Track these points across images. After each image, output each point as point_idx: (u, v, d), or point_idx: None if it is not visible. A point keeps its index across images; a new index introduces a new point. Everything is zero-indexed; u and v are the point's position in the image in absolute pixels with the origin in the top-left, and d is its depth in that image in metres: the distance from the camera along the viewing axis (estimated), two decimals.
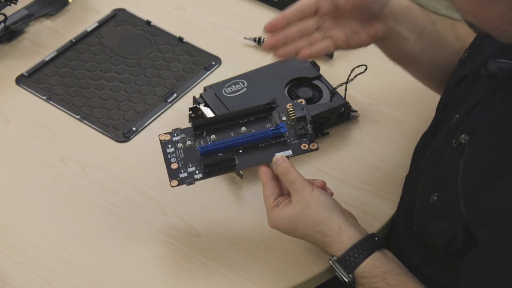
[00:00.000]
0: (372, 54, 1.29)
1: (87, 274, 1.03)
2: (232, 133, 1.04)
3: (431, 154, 1.04)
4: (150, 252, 1.05)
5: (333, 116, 1.19)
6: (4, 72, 1.27)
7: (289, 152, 1.03)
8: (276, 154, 1.02)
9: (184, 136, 1.04)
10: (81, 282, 1.02)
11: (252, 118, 1.05)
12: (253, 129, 1.04)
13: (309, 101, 1.19)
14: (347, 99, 1.20)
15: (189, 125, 1.06)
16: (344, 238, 0.99)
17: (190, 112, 1.18)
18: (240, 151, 1.03)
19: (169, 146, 1.03)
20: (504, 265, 0.85)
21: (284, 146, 1.03)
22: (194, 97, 1.18)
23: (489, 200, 0.88)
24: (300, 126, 1.04)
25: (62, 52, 1.30)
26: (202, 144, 1.03)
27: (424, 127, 1.17)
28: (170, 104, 1.23)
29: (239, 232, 1.08)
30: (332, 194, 1.03)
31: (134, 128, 1.19)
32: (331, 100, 1.19)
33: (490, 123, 0.93)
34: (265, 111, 1.05)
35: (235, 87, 1.20)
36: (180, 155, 1.03)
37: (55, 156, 1.15)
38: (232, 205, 1.11)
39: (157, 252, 1.05)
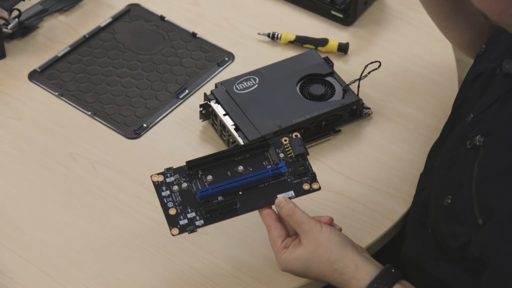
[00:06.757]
0: (387, 50, 1.28)
1: (94, 272, 1.03)
2: (229, 173, 1.00)
3: (445, 155, 1.01)
4: (157, 250, 1.05)
5: (346, 113, 1.18)
6: (18, 68, 1.26)
7: (291, 193, 0.99)
8: (278, 196, 0.99)
9: (179, 177, 0.99)
10: (88, 280, 1.02)
11: (248, 155, 1.01)
12: (250, 167, 1.00)
13: (321, 98, 1.17)
14: (360, 95, 1.18)
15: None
16: (363, 274, 0.94)
17: (201, 109, 1.17)
18: (240, 192, 0.99)
19: (164, 188, 0.98)
20: None
21: (285, 187, 0.99)
22: (205, 94, 1.17)
23: (506, 212, 0.85)
24: (300, 164, 1.00)
25: (75, 47, 1.29)
26: (199, 186, 0.99)
27: (438, 124, 1.15)
28: (181, 101, 1.22)
29: (247, 230, 1.07)
30: (340, 230, 1.00)
31: (145, 125, 1.19)
32: (343, 97, 1.18)
33: (505, 125, 0.91)
34: (260, 148, 1.02)
35: (247, 84, 1.18)
36: (177, 199, 0.98)
37: (65, 152, 1.15)
38: None
39: (164, 250, 1.05)
